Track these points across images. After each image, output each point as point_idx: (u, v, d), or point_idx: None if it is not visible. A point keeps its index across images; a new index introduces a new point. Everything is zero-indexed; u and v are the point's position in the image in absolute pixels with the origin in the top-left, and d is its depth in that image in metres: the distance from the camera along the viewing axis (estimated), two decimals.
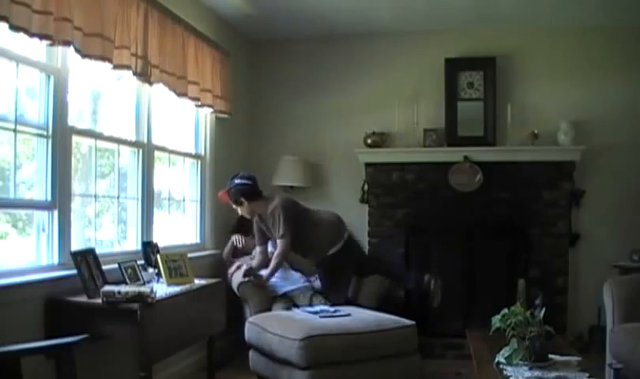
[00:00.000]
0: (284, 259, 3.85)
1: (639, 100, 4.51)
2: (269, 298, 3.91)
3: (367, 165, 4.77)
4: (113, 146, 3.32)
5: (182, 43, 3.61)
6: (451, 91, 4.68)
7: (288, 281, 4.05)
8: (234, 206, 3.88)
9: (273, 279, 4.03)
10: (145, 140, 3.54)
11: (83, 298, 2.63)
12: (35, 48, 2.61)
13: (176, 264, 3.23)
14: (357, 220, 4.83)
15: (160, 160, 3.80)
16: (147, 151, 3.55)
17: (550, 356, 2.49)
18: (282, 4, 4.25)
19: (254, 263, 3.96)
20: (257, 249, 3.99)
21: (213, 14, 4.33)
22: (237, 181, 3.84)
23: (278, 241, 3.78)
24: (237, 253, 4.35)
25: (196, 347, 3.73)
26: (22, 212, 2.72)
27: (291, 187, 4.88)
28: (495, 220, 4.57)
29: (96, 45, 2.73)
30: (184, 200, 4.17)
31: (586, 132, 4.49)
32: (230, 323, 3.63)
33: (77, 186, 3.00)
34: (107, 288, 2.58)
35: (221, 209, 4.46)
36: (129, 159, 3.48)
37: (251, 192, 3.84)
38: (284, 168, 4.79)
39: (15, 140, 2.55)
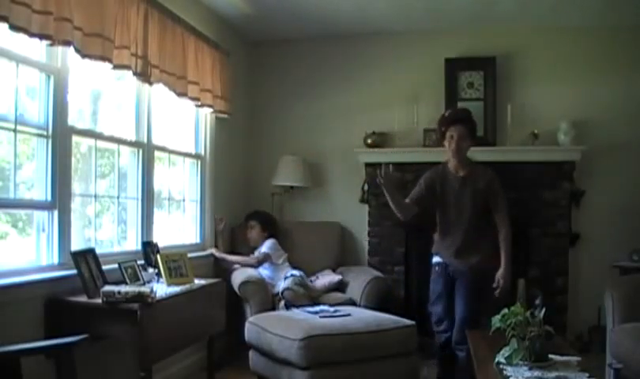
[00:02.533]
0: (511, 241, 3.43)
1: (639, 100, 4.51)
2: (270, 298, 3.92)
3: (367, 165, 4.77)
4: (113, 146, 3.32)
5: (182, 43, 3.61)
6: (451, 92, 4.68)
7: (282, 277, 4.06)
8: (454, 133, 3.41)
9: (270, 275, 4.06)
10: (145, 140, 3.54)
11: (83, 298, 2.64)
12: (35, 48, 2.61)
13: (176, 264, 3.23)
14: (357, 220, 4.84)
15: (160, 160, 3.80)
16: (147, 151, 3.55)
17: (550, 356, 2.49)
18: (282, 4, 4.24)
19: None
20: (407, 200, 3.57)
21: (213, 14, 4.33)
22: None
23: (502, 216, 3.43)
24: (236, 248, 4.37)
25: (196, 347, 3.73)
26: (22, 212, 2.72)
27: (291, 187, 4.88)
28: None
29: (96, 45, 2.73)
30: (184, 200, 4.17)
31: (586, 132, 4.49)
32: (230, 323, 3.63)
33: (77, 186, 3.00)
34: (107, 288, 2.58)
35: (221, 209, 4.47)
36: (129, 159, 3.48)
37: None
38: (284, 168, 4.79)
39: (15, 140, 2.55)
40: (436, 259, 3.58)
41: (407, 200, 3.56)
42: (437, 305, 3.52)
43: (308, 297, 3.91)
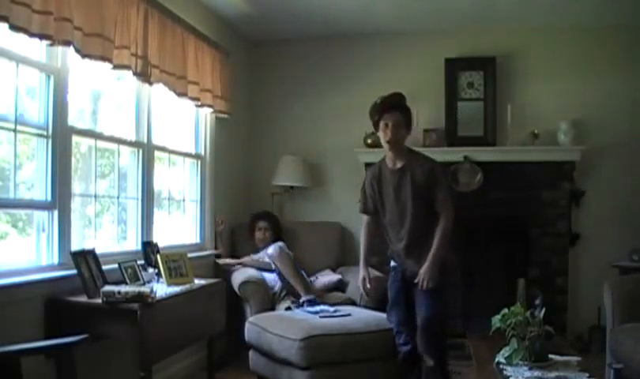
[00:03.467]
0: (450, 235, 3.03)
1: (639, 100, 4.51)
2: (270, 297, 3.92)
3: (367, 165, 4.76)
4: (113, 146, 3.32)
5: (182, 43, 3.61)
6: (451, 91, 4.68)
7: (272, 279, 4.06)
8: (388, 121, 3.07)
9: (275, 278, 4.04)
10: (145, 140, 3.54)
11: (83, 298, 2.63)
12: (35, 48, 2.61)
13: (176, 264, 3.23)
14: (357, 220, 4.82)
15: (160, 160, 3.80)
16: (147, 151, 3.54)
17: (550, 356, 2.49)
18: (282, 4, 4.24)
19: (363, 249, 3.25)
20: (365, 218, 3.29)
21: (213, 14, 4.33)
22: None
23: (444, 210, 3.02)
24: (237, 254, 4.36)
25: (196, 347, 3.73)
26: (22, 212, 2.72)
27: (291, 187, 4.88)
28: (494, 220, 4.57)
29: (96, 45, 2.73)
30: (184, 200, 4.17)
31: (586, 132, 4.49)
32: (230, 323, 3.63)
33: (77, 186, 3.00)
34: (107, 288, 2.58)
35: (221, 209, 4.47)
36: (129, 159, 3.48)
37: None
38: (284, 168, 4.78)
39: (15, 140, 2.55)
40: (392, 263, 3.24)
41: (366, 218, 3.27)
42: (392, 313, 3.17)
43: (295, 272, 3.91)
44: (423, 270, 2.98)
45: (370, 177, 3.21)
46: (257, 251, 4.34)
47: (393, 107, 3.10)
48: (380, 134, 3.12)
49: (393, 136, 3.04)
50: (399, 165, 3.09)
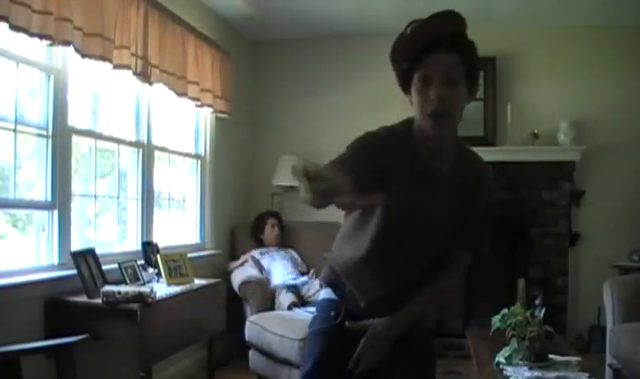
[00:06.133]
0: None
1: (639, 100, 4.51)
2: (271, 295, 3.92)
3: None
4: (113, 146, 3.32)
5: (182, 43, 3.61)
6: None
7: (283, 268, 4.07)
8: (436, 69, 1.59)
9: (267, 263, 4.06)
10: (145, 140, 3.54)
11: (83, 298, 2.63)
12: (35, 48, 2.61)
13: (176, 264, 3.23)
14: None
15: (160, 160, 3.80)
16: (147, 152, 3.55)
17: (550, 356, 2.49)
18: (282, 5, 4.24)
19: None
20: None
21: (213, 15, 4.33)
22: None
23: (467, 255, 1.90)
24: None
25: (196, 347, 3.73)
26: (22, 212, 2.72)
27: (291, 187, 4.87)
28: (494, 220, 4.56)
29: (96, 45, 2.73)
30: (184, 200, 4.17)
31: (586, 132, 4.49)
32: (230, 322, 3.63)
33: (77, 186, 3.00)
34: (107, 288, 2.58)
35: (221, 209, 4.47)
36: (129, 159, 3.48)
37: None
38: (284, 168, 4.78)
39: (15, 140, 2.55)
40: (328, 294, 1.87)
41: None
42: None
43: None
44: (369, 338, 1.66)
45: (388, 149, 1.71)
46: (260, 246, 4.35)
47: (446, 41, 1.62)
48: (414, 98, 1.63)
49: (443, 102, 1.57)
50: (442, 165, 1.70)
